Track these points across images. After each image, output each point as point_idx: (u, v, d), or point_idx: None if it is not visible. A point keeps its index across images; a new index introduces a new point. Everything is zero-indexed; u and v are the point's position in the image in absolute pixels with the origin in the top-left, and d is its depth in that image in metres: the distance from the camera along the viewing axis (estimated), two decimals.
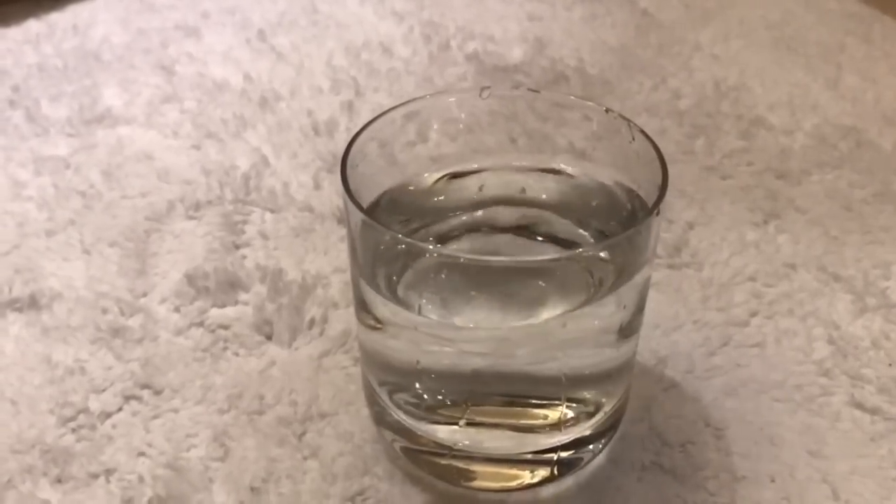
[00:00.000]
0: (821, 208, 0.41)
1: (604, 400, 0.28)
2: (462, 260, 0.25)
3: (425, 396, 0.27)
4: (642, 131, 0.27)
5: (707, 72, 0.51)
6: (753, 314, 0.35)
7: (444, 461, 0.28)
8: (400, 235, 0.25)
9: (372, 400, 0.29)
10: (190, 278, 0.37)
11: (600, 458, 0.30)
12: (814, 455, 0.30)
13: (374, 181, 0.29)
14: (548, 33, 0.54)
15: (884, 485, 0.29)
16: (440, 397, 0.27)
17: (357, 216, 0.25)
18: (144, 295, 0.36)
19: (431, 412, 0.27)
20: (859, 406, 0.32)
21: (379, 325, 0.27)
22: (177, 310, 0.35)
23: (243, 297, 0.36)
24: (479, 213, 0.31)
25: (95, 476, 0.29)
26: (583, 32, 0.54)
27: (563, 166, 0.30)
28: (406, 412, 0.28)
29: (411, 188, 0.30)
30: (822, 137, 0.45)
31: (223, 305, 0.36)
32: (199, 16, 0.56)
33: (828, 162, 0.44)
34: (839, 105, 0.48)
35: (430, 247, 0.28)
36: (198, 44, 0.53)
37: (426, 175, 0.30)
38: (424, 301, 0.27)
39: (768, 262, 0.38)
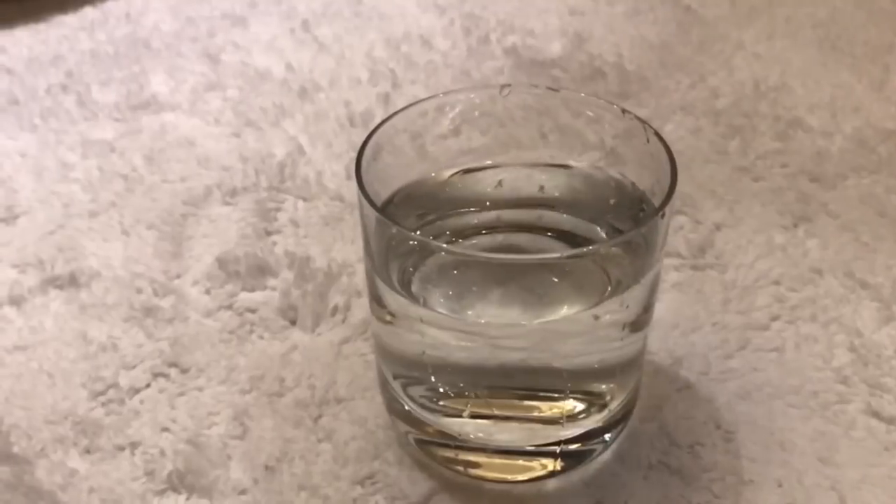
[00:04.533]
0: (854, 213, 0.40)
1: (609, 395, 0.28)
2: (468, 256, 0.25)
3: (432, 387, 0.28)
4: (657, 133, 0.27)
5: (748, 71, 0.50)
6: (775, 318, 0.35)
7: (450, 451, 0.28)
8: (412, 233, 0.26)
9: (384, 388, 0.30)
10: (221, 262, 0.38)
11: (607, 455, 0.30)
12: (824, 462, 0.30)
13: (396, 174, 0.30)
14: (588, 28, 0.54)
15: (894, 495, 0.29)
16: (444, 389, 0.28)
17: (370, 211, 0.25)
18: (178, 277, 0.38)
19: (437, 403, 0.28)
20: (876, 415, 0.31)
21: (391, 318, 0.27)
22: (207, 292, 0.37)
23: (271, 282, 0.37)
24: (496, 211, 0.31)
25: (122, 448, 0.31)
26: (623, 28, 0.54)
27: (579, 164, 0.31)
28: (414, 401, 0.28)
29: (427, 181, 0.31)
30: (861, 140, 0.45)
31: (252, 290, 0.37)
32: (246, 5, 0.58)
33: (865, 166, 0.43)
34: (883, 108, 0.47)
35: (442, 244, 0.28)
36: (244, 33, 0.55)
37: (442, 169, 0.31)
38: (435, 294, 0.28)
39: (794, 267, 0.37)
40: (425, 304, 0.27)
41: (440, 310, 0.28)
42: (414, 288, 0.28)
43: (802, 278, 0.37)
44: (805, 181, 0.42)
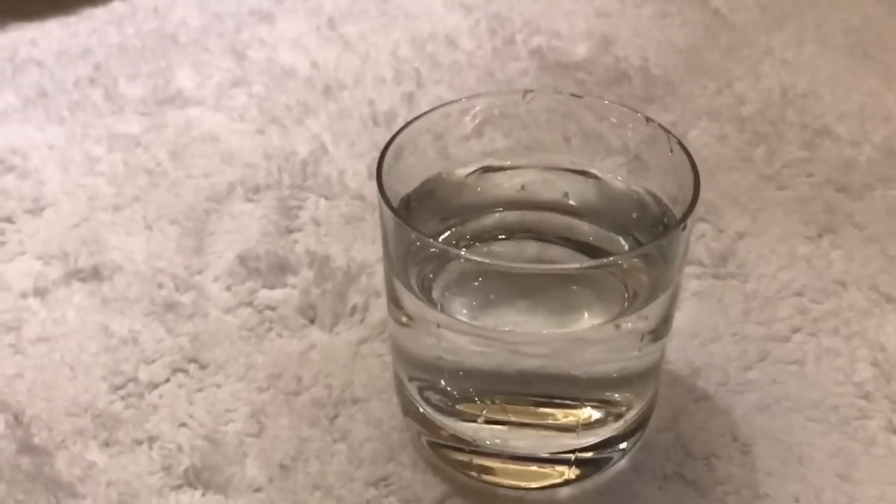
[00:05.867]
0: (880, 225, 0.39)
1: (626, 404, 0.28)
2: (488, 265, 0.25)
3: (448, 392, 0.28)
4: (680, 143, 0.27)
5: (775, 77, 0.49)
6: (796, 330, 0.35)
7: (464, 456, 0.29)
8: (432, 240, 0.26)
9: (400, 390, 0.30)
10: (242, 259, 0.38)
11: (622, 464, 0.30)
12: (843, 479, 0.30)
13: (418, 175, 0.30)
14: (614, 31, 0.54)
15: None
16: (460, 393, 0.28)
17: (390, 214, 0.26)
18: (199, 272, 0.38)
19: (452, 407, 0.28)
20: None
21: (408, 321, 0.27)
22: (228, 289, 0.37)
23: (291, 280, 0.37)
24: (518, 215, 0.31)
25: (140, 442, 0.31)
26: (650, 31, 0.54)
27: (603, 173, 0.30)
28: (430, 405, 0.28)
29: (448, 179, 0.31)
30: (890, 150, 0.44)
31: (272, 287, 0.37)
32: (273, 2, 0.58)
33: (893, 177, 0.42)
34: None
35: (461, 252, 0.28)
36: (270, 29, 0.55)
37: (461, 170, 0.31)
38: (454, 299, 0.28)
39: (818, 278, 0.37)
40: (443, 309, 0.27)
41: (459, 315, 0.28)
42: (434, 293, 0.28)
43: (826, 290, 0.36)
44: (831, 191, 0.41)
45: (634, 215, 0.29)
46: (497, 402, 0.27)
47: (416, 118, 0.29)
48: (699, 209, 0.27)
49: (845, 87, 0.49)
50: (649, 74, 0.50)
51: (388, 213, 0.25)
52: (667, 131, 0.27)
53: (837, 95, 0.48)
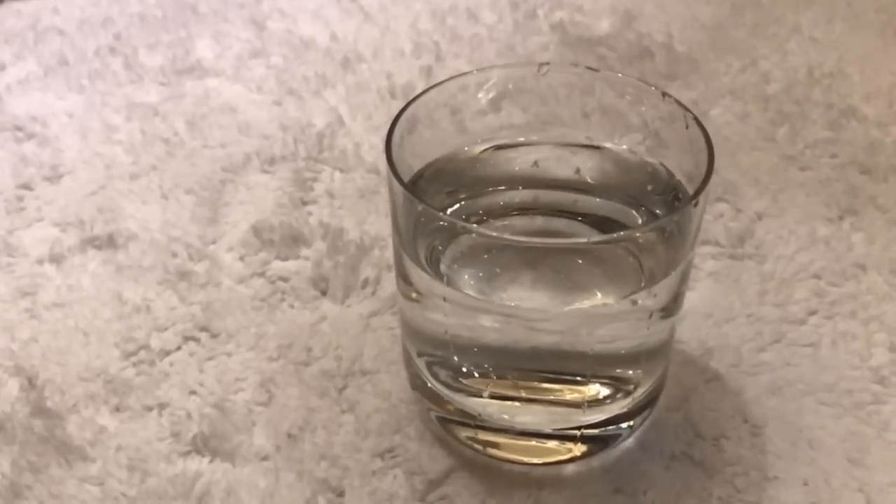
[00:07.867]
0: None
1: (634, 382, 0.28)
2: (496, 238, 0.25)
3: (454, 366, 0.28)
4: (696, 119, 0.27)
5: (802, 56, 0.48)
6: (812, 313, 0.34)
7: (470, 430, 0.28)
8: (440, 213, 0.25)
9: (408, 364, 0.30)
10: (256, 230, 0.38)
11: (629, 443, 0.30)
12: (854, 463, 0.29)
13: (432, 148, 0.30)
14: (638, 6, 0.53)
15: None
16: (466, 368, 0.28)
17: (398, 187, 0.25)
18: (213, 242, 0.38)
19: (459, 382, 0.28)
20: None
21: (417, 296, 0.27)
22: (241, 259, 0.37)
23: (304, 252, 0.37)
24: (533, 190, 0.31)
25: (150, 409, 0.31)
26: (675, 7, 0.53)
27: (616, 146, 0.30)
28: (437, 379, 0.28)
29: (459, 156, 0.30)
30: None
31: (285, 258, 0.37)
32: None
33: None
34: None
35: (468, 224, 0.28)
36: (290, 0, 0.55)
37: (475, 145, 0.31)
38: (462, 274, 0.28)
39: (837, 261, 0.36)
40: (450, 284, 0.27)
41: (467, 290, 0.27)
42: (442, 267, 0.27)
43: (844, 273, 0.36)
44: (855, 173, 0.41)
45: (649, 188, 0.29)
46: (504, 377, 0.27)
47: (428, 89, 0.29)
48: (717, 188, 0.26)
49: (874, 67, 0.47)
50: (673, 51, 0.49)
51: (396, 185, 0.25)
52: (683, 107, 0.27)
53: (866, 75, 0.47)
